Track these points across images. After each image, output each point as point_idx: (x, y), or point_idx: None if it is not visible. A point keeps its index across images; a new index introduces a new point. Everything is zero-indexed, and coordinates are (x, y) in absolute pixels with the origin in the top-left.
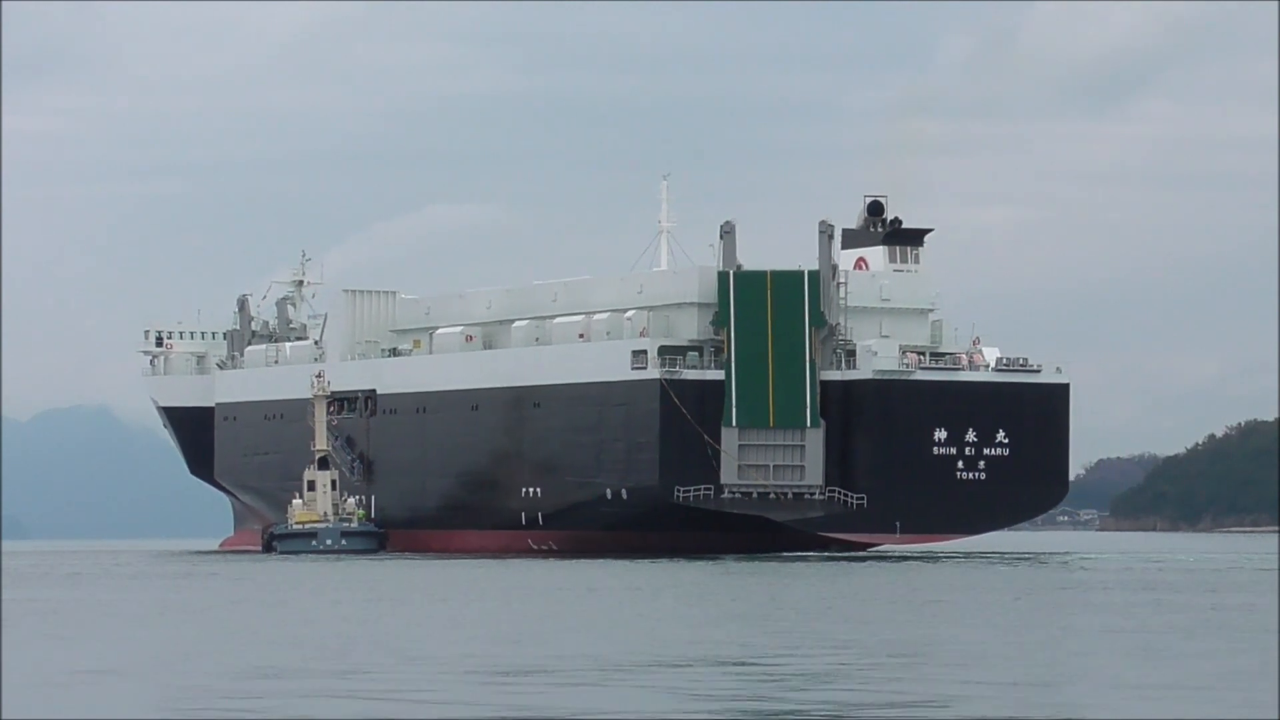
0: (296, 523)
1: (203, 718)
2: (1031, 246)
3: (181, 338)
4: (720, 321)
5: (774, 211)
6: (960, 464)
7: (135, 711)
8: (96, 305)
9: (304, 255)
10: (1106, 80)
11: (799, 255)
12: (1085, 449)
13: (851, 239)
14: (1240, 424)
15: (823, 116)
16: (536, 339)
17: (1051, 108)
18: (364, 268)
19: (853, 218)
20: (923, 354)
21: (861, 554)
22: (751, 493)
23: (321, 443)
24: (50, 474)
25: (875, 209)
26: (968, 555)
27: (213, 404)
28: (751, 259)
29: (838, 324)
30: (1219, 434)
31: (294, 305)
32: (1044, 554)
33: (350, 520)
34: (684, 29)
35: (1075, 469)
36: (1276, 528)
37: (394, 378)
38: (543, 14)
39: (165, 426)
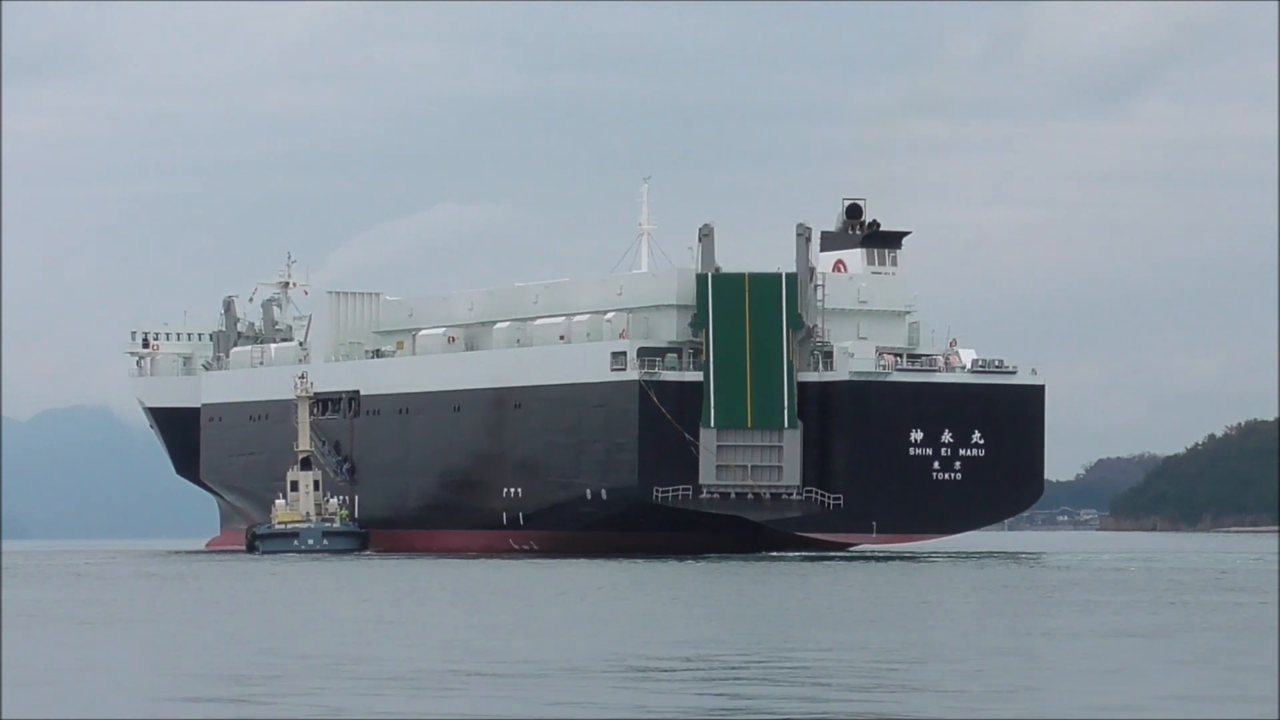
0: (279, 523)
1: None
2: (1030, 247)
3: (168, 339)
4: (698, 323)
5: (756, 214)
6: (936, 464)
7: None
8: (97, 305)
9: (290, 257)
10: (1107, 81)
11: (778, 258)
12: (1085, 449)
13: (830, 241)
14: (1240, 424)
15: (810, 119)
16: (518, 340)
17: (1051, 108)
18: (362, 269)
19: (835, 220)
20: (900, 355)
21: (838, 554)
22: (729, 493)
23: (304, 443)
24: (50, 474)
25: (854, 211)
26: (959, 555)
27: (198, 405)
28: (731, 261)
29: (815, 326)
30: (1219, 434)
31: (279, 307)
32: (1032, 554)
33: (332, 520)
34: (671, 30)
35: (1075, 469)
36: (1276, 528)
37: (377, 379)
38: (526, 15)
39: (151, 427)
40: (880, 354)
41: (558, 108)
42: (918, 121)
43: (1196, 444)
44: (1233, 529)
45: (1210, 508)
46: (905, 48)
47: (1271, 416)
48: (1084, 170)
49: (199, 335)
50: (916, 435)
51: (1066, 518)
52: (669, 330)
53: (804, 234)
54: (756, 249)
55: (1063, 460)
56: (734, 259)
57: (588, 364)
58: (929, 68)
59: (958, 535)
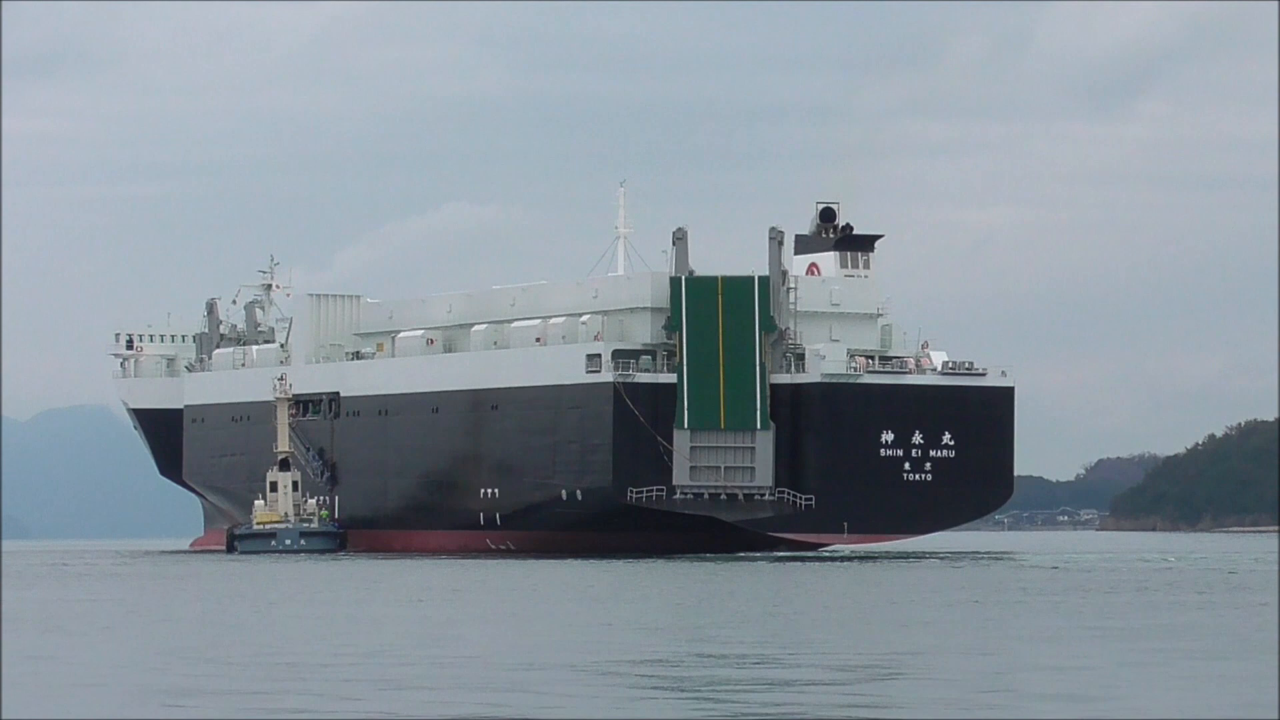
0: (258, 523)
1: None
2: (1029, 248)
3: (151, 340)
4: (672, 326)
5: (732, 217)
6: (907, 465)
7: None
8: (97, 305)
9: (273, 259)
10: (1108, 82)
11: (751, 261)
12: (1085, 449)
13: (804, 244)
14: (1240, 424)
15: (800, 121)
16: (495, 343)
17: (1051, 109)
18: (355, 271)
19: (809, 224)
20: (871, 358)
21: (810, 554)
22: (703, 494)
23: (283, 444)
24: (50, 474)
25: (827, 215)
26: (960, 555)
27: (181, 406)
28: (706, 265)
29: (787, 328)
30: (1219, 434)
31: (262, 309)
32: (1008, 554)
33: (311, 521)
34: (662, 31)
35: (1075, 469)
36: (1276, 528)
37: (357, 380)
38: (513, 16)
39: (135, 428)
40: (852, 356)
41: (543, 110)
42: (914, 122)
43: (1196, 444)
44: (1233, 529)
45: (1210, 508)
46: (905, 49)
47: (1271, 416)
48: (1084, 170)
49: (182, 337)
50: (887, 436)
51: (1067, 518)
52: (643, 333)
53: (776, 237)
54: (730, 252)
55: (1063, 460)
56: (708, 262)
57: (563, 366)
58: (931, 69)
59: (957, 535)
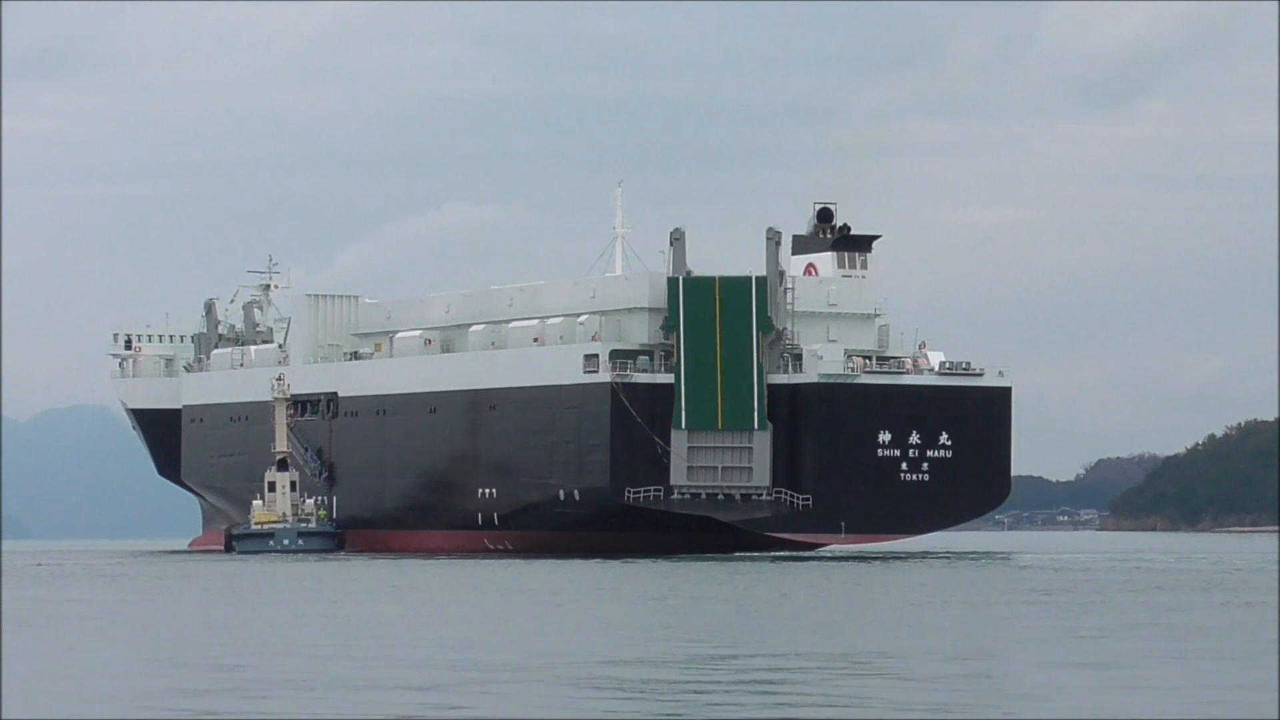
0: (256, 524)
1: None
2: (1029, 248)
3: (150, 341)
4: (670, 326)
5: (730, 217)
6: (904, 465)
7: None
8: (97, 305)
9: (271, 259)
10: (1107, 82)
11: (749, 261)
12: (1085, 449)
13: (802, 245)
14: (1240, 424)
15: (798, 121)
16: (492, 343)
17: (1051, 109)
18: (354, 271)
19: (806, 224)
20: (869, 358)
21: (807, 554)
22: (700, 494)
23: (282, 444)
24: (50, 474)
25: (825, 215)
26: (961, 556)
27: (180, 406)
28: (703, 265)
29: (785, 329)
30: (1219, 434)
31: (260, 309)
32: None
33: (309, 521)
34: (657, 31)
35: (1075, 469)
36: (1276, 528)
37: (355, 381)
38: (508, 16)
39: (134, 428)
40: (849, 356)
41: (543, 110)
42: (914, 122)
43: (1196, 444)
44: (1233, 529)
45: (1210, 508)
46: (906, 49)
47: (1271, 416)
48: (1084, 170)
49: (181, 337)
50: (884, 436)
51: (1067, 518)
52: (641, 333)
53: (774, 238)
54: (728, 252)
55: (1062, 460)
56: (706, 262)
57: (561, 366)
58: (932, 69)
59: (957, 535)
